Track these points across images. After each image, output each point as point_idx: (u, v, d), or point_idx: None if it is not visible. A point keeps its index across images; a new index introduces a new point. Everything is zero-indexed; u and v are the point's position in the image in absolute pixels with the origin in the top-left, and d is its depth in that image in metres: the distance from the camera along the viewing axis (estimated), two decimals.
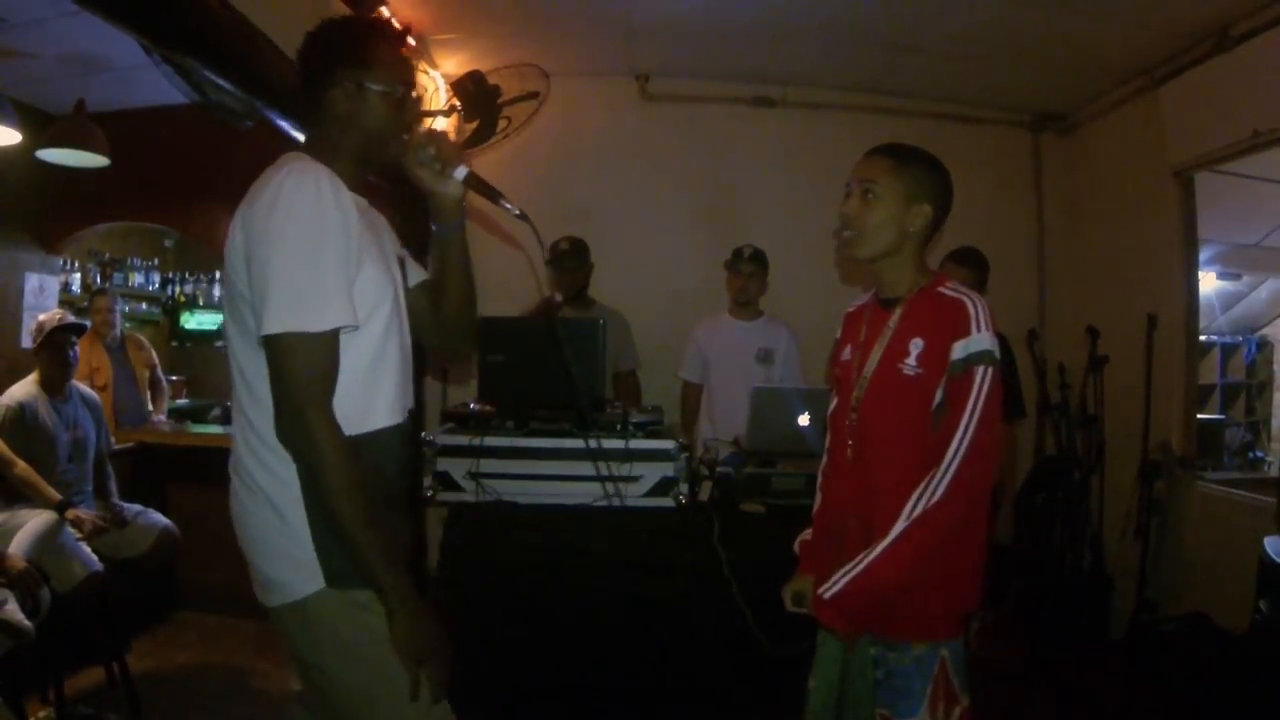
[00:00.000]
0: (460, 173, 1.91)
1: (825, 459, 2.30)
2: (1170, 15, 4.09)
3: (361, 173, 1.88)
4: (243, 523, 1.80)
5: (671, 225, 5.32)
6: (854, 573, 1.88)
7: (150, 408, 5.48)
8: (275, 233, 1.62)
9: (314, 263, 1.60)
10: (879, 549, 1.87)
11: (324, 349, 1.62)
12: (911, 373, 1.97)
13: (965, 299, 1.97)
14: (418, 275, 2.14)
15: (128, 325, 6.54)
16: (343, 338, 1.66)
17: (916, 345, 1.98)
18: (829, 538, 2.20)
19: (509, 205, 1.96)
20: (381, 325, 1.76)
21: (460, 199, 1.97)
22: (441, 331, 2.14)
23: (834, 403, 2.26)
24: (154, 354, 5.67)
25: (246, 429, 1.79)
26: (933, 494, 1.85)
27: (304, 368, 1.59)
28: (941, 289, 2.03)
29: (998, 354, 1.93)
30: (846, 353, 2.21)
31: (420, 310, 2.08)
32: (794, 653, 2.52)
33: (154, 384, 5.59)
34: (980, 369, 1.88)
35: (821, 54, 4.87)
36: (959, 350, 1.90)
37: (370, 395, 1.75)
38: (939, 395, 1.93)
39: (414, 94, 1.90)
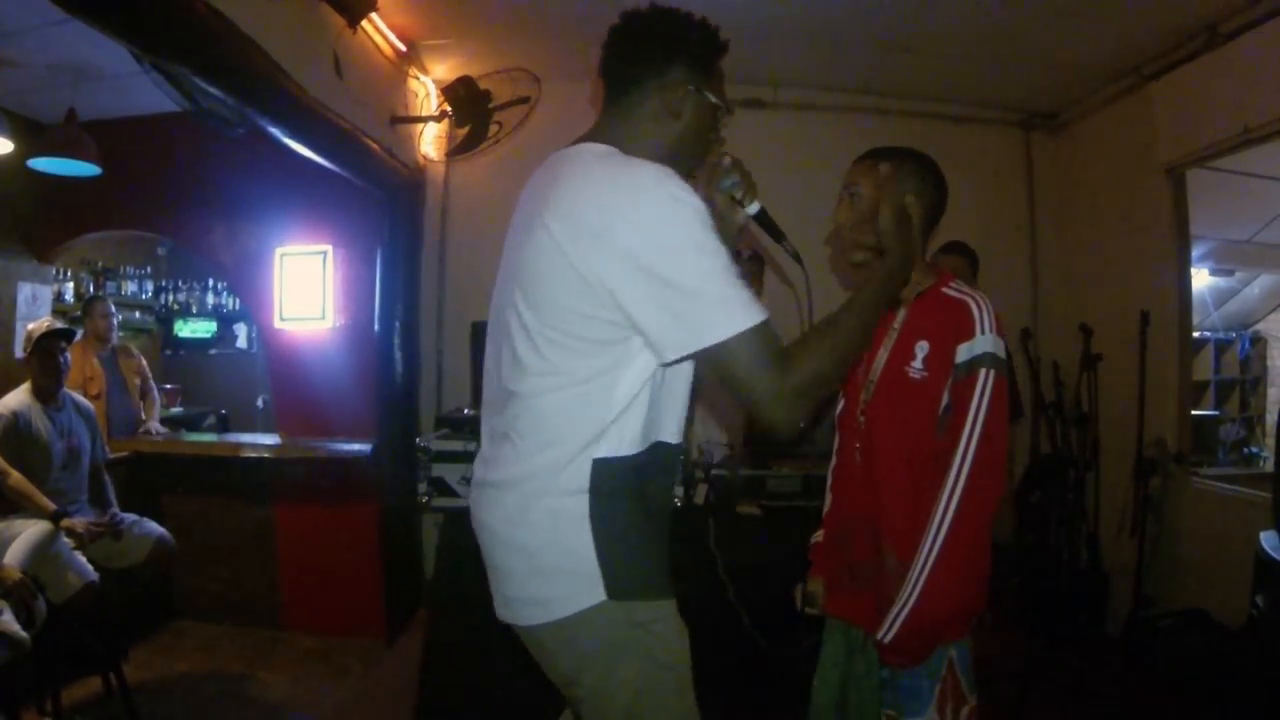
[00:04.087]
0: (753, 208, 1.84)
1: (834, 459, 2.30)
2: (1159, 12, 4.09)
3: None
4: (507, 538, 1.67)
5: None
6: (905, 612, 1.86)
7: (142, 415, 5.45)
8: (680, 235, 1.51)
9: (725, 262, 1.52)
10: (919, 582, 1.85)
11: (772, 334, 1.52)
12: (918, 376, 1.97)
13: (970, 300, 1.96)
14: None
15: (121, 334, 6.51)
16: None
17: (922, 348, 1.98)
18: (837, 539, 2.21)
19: (788, 246, 1.88)
20: None
21: (742, 228, 1.90)
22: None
23: (841, 404, 2.26)
24: (144, 361, 5.62)
25: (526, 441, 1.65)
26: (950, 510, 1.85)
27: (763, 352, 1.50)
28: (946, 289, 2.03)
29: (1002, 355, 1.92)
30: None
31: None
32: (790, 653, 2.52)
33: (145, 393, 5.53)
34: (983, 372, 1.88)
35: (812, 55, 4.87)
36: (963, 353, 1.91)
37: (678, 413, 1.70)
38: (945, 398, 1.93)
39: (730, 114, 1.82)
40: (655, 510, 1.68)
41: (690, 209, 1.51)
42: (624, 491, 1.61)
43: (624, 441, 1.60)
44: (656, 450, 1.65)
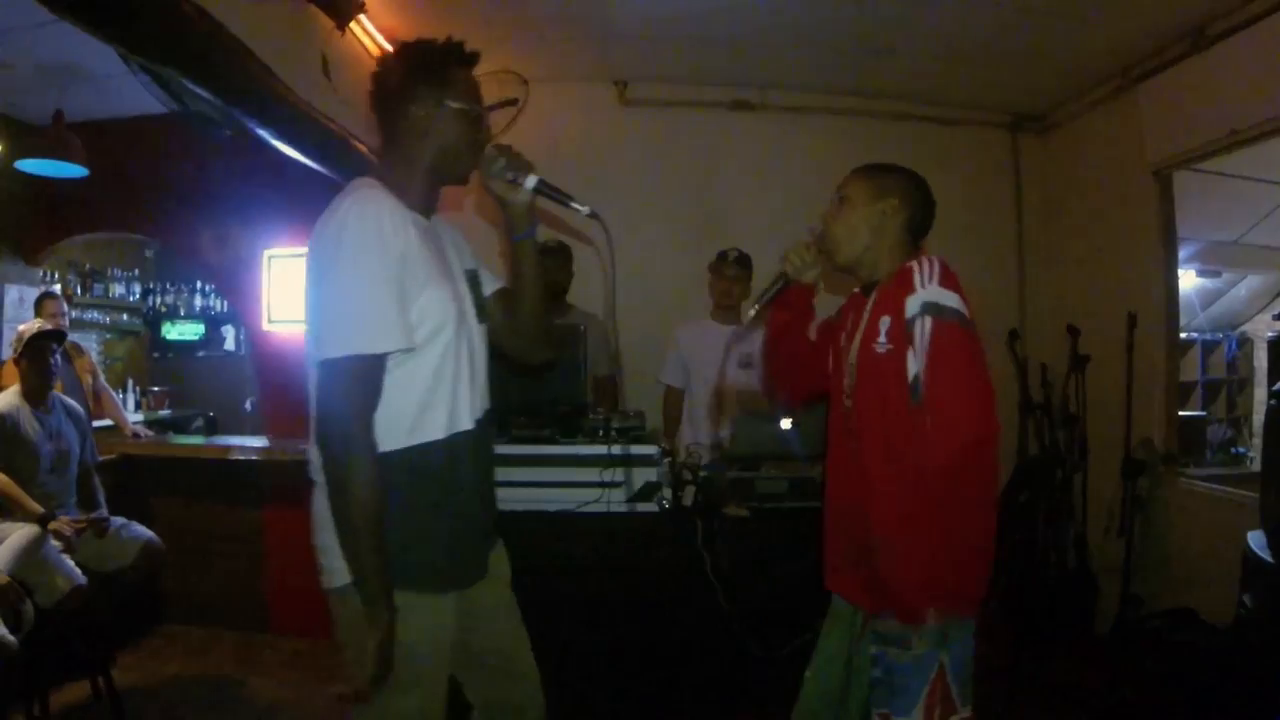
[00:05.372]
0: (530, 181, 1.98)
1: (829, 446, 2.33)
2: (1147, 15, 4.11)
3: (435, 187, 1.97)
4: (316, 516, 1.85)
5: (651, 231, 5.27)
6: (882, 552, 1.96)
7: (96, 416, 5.33)
8: (331, 259, 1.71)
9: (367, 289, 1.68)
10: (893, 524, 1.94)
11: (366, 373, 1.70)
12: (883, 350, 2.01)
13: (914, 262, 2.00)
14: (494, 283, 2.18)
15: (109, 336, 6.49)
16: (401, 358, 1.75)
17: (884, 323, 2.02)
18: (837, 523, 2.23)
19: (579, 206, 2.02)
20: (441, 347, 1.82)
21: (530, 205, 2.03)
22: (516, 336, 2.19)
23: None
24: (93, 359, 5.46)
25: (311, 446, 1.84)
26: (919, 456, 1.88)
27: (344, 389, 1.68)
28: (906, 264, 2.06)
29: (947, 304, 1.92)
30: (842, 340, 2.25)
31: (496, 317, 2.13)
32: (780, 655, 2.53)
33: (97, 393, 5.31)
34: (920, 320, 1.90)
35: (800, 58, 4.88)
36: (909, 310, 1.93)
37: (425, 410, 1.81)
38: (912, 366, 1.93)
39: (485, 113, 1.98)
40: (422, 505, 1.80)
41: (354, 234, 1.69)
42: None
43: None
44: (409, 449, 1.79)
